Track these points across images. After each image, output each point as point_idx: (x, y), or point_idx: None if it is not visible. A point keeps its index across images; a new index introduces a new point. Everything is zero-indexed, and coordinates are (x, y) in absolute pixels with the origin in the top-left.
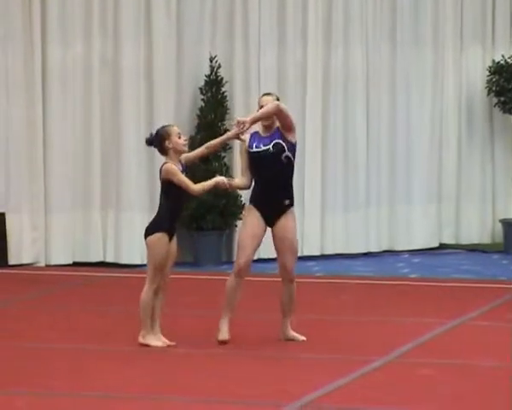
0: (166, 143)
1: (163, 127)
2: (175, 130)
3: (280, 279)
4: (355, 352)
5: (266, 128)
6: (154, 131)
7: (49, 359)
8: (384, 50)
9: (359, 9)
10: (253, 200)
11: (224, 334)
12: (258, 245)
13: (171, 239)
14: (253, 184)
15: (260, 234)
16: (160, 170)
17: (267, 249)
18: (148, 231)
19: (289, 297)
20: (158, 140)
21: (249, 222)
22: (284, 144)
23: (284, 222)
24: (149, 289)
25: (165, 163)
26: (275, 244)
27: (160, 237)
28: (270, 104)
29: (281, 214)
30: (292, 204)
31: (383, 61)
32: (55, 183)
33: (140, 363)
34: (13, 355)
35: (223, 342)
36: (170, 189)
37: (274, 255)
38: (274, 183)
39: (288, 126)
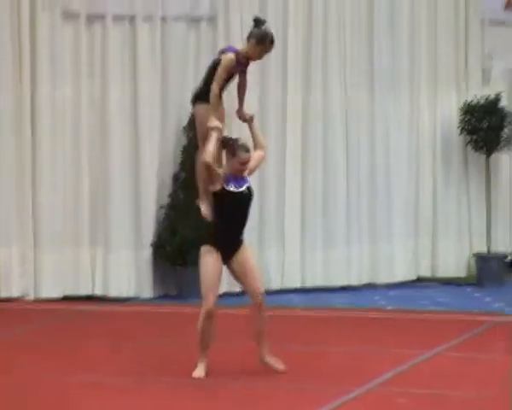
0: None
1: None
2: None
3: (250, 309)
4: (334, 382)
5: (237, 172)
6: None
7: (39, 391)
8: (362, 92)
9: (338, 51)
10: (212, 240)
11: (200, 372)
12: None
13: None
14: (215, 224)
15: (221, 273)
16: None
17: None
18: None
19: (262, 323)
20: None
21: (210, 263)
22: (252, 189)
23: (242, 253)
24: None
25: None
26: (237, 276)
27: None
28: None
29: (237, 249)
30: (243, 238)
31: (361, 102)
32: (45, 218)
33: (132, 394)
34: (2, 388)
35: (198, 380)
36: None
37: None
38: (239, 223)
39: (253, 170)
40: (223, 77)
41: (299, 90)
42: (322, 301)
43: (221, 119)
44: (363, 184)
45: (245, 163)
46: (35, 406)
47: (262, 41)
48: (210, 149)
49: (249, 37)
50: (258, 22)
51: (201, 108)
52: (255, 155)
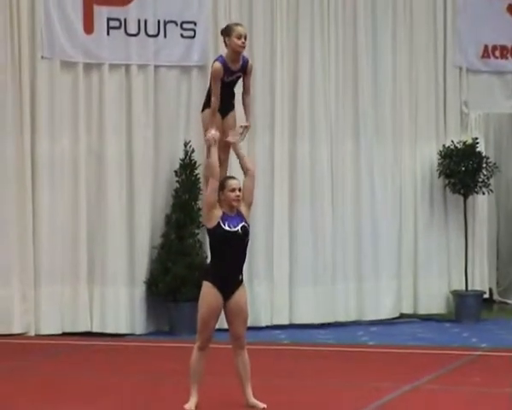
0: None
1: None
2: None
3: (232, 349)
4: None
5: (231, 208)
6: None
7: None
8: (348, 141)
9: (324, 103)
10: (210, 277)
11: (191, 405)
12: (218, 319)
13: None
14: (211, 260)
15: (220, 309)
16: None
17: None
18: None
19: (244, 364)
20: None
21: (209, 298)
22: (248, 228)
23: (238, 296)
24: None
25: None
26: (228, 316)
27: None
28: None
29: (235, 289)
30: (243, 279)
31: (347, 148)
32: (44, 258)
33: None
34: None
35: None
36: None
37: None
38: (235, 262)
39: (251, 198)
40: (215, 87)
41: (287, 139)
42: (309, 337)
43: (221, 127)
44: (350, 225)
45: (234, 189)
46: None
47: (228, 31)
48: (211, 159)
49: (224, 41)
50: (222, 30)
51: (203, 114)
52: (246, 186)
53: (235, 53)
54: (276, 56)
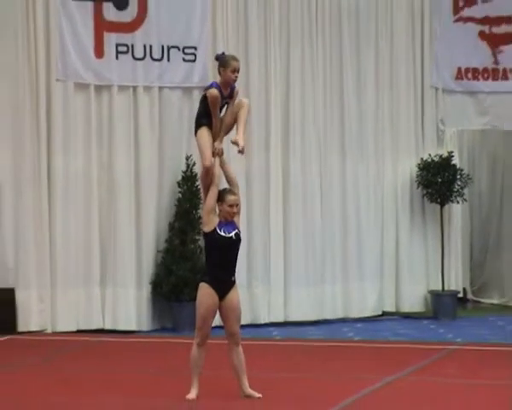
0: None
1: None
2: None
3: (227, 345)
4: (302, 406)
5: (226, 219)
6: None
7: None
8: (335, 158)
9: (313, 122)
10: (207, 279)
11: (192, 395)
12: (215, 316)
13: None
14: (207, 263)
15: (216, 307)
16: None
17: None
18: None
19: (239, 359)
20: None
21: (206, 297)
22: (240, 235)
23: (232, 296)
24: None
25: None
26: (223, 314)
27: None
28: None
29: (229, 289)
30: (235, 280)
31: (334, 163)
32: (60, 264)
33: None
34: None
35: (191, 401)
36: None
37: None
38: (228, 264)
39: (240, 206)
40: (215, 112)
41: (280, 157)
42: (301, 333)
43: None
44: (337, 233)
45: (232, 205)
46: None
47: (225, 64)
48: (214, 169)
49: (218, 69)
50: (218, 57)
51: (198, 135)
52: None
53: (228, 84)
54: (270, 81)
